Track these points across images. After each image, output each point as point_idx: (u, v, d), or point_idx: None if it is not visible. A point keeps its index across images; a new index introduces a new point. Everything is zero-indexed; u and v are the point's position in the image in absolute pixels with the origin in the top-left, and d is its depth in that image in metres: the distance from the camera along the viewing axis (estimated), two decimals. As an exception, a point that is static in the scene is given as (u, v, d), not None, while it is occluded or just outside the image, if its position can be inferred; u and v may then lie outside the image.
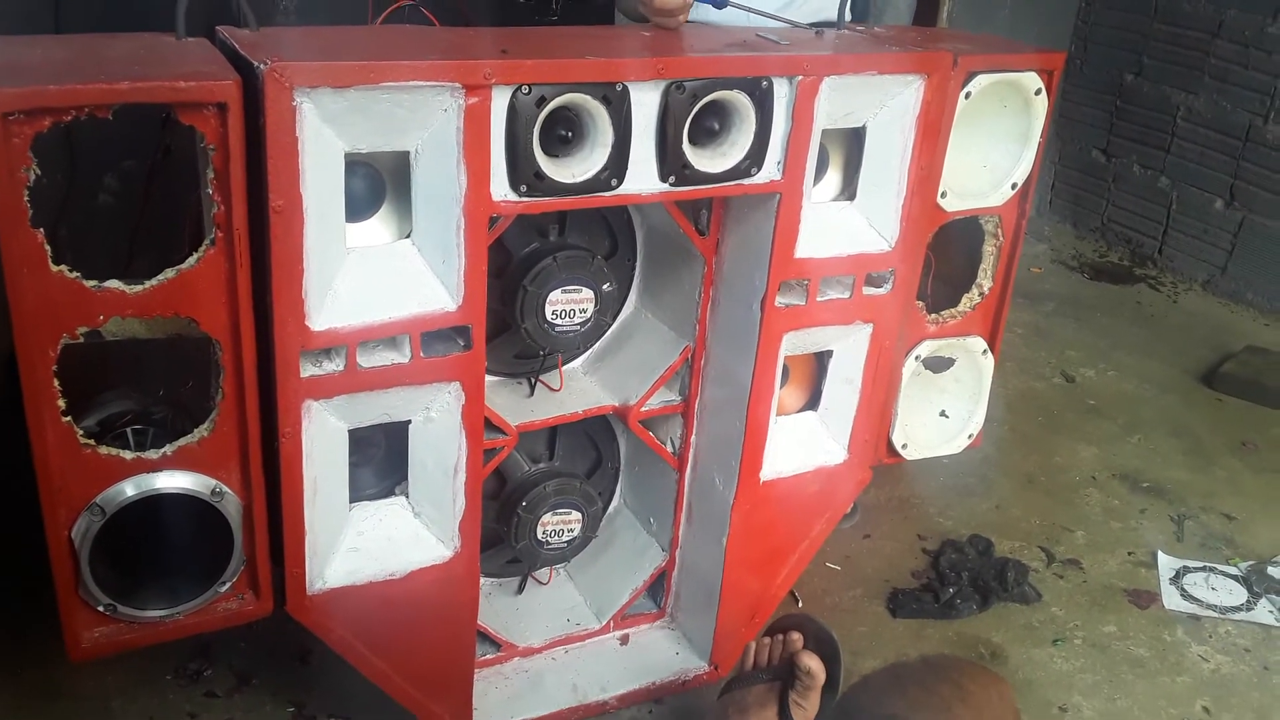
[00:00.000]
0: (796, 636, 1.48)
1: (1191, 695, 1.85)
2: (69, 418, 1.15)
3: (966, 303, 1.72)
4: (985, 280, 1.71)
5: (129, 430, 1.35)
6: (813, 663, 1.43)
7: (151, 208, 1.60)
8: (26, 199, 1.05)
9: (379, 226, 1.29)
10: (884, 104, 1.45)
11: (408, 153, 1.22)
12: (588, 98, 1.24)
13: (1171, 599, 2.07)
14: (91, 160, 2.38)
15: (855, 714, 1.16)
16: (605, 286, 1.50)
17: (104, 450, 1.19)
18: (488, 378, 1.48)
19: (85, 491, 1.19)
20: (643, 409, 1.61)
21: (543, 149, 1.25)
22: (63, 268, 1.09)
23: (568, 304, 1.48)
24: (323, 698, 1.67)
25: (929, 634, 1.94)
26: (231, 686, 1.68)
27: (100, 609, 1.24)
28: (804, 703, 1.44)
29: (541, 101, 1.22)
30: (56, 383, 1.13)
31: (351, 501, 1.38)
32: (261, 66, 1.08)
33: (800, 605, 1.95)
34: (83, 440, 1.17)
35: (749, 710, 1.45)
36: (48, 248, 1.07)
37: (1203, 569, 2.16)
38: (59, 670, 1.63)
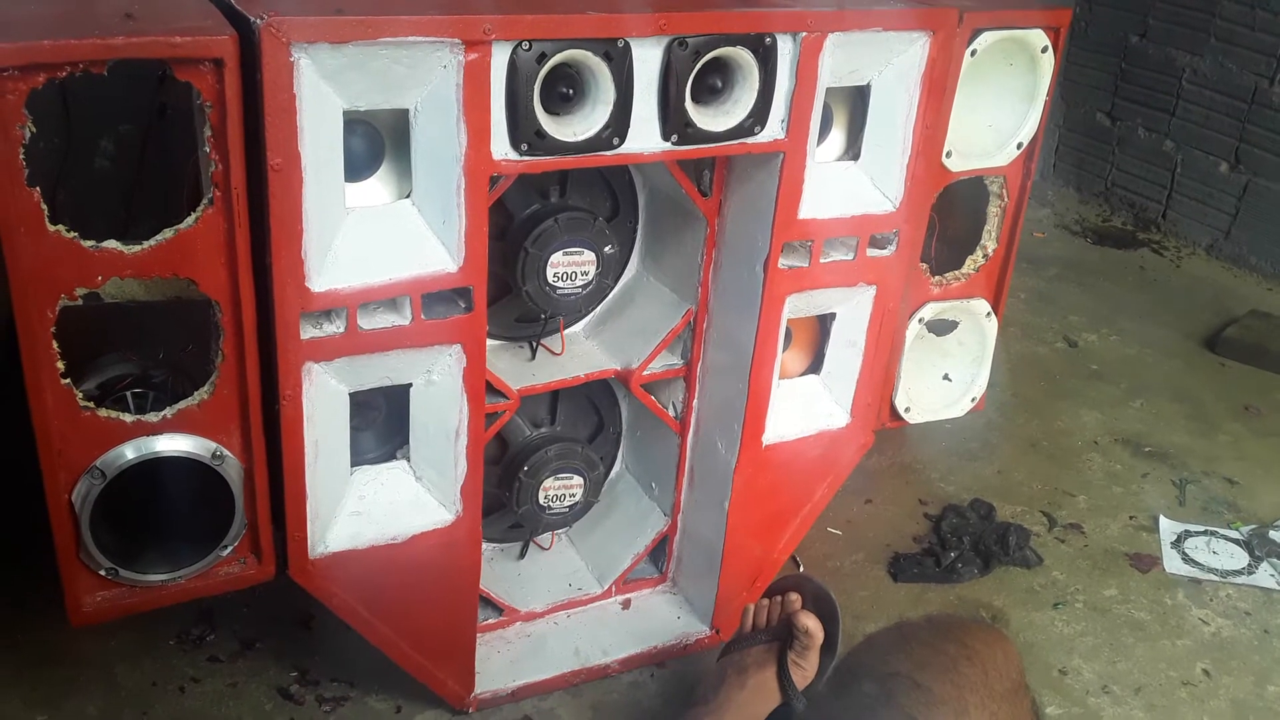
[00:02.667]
0: (795, 597, 1.48)
1: (1192, 658, 1.85)
2: (68, 380, 1.14)
3: (970, 264, 1.70)
4: (989, 242, 1.70)
5: (129, 393, 1.34)
6: (810, 622, 1.43)
7: (148, 169, 1.58)
8: (22, 157, 1.03)
9: (378, 186, 1.28)
10: (889, 61, 1.43)
11: (407, 110, 1.20)
12: (589, 54, 1.22)
13: (1173, 563, 2.08)
14: (88, 124, 2.35)
15: (860, 673, 1.16)
16: (607, 249, 1.49)
17: (104, 413, 1.18)
18: (489, 341, 1.46)
19: (85, 455, 1.18)
20: (644, 373, 1.60)
21: (544, 107, 1.24)
22: (60, 227, 1.08)
23: (569, 266, 1.47)
24: (325, 662, 1.67)
25: (930, 598, 1.94)
26: (234, 651, 1.68)
27: (101, 573, 1.24)
28: (802, 662, 1.44)
29: (542, 58, 1.20)
30: (55, 345, 1.12)
31: (353, 465, 1.38)
32: (258, 21, 1.06)
33: (802, 569, 1.95)
34: (82, 403, 1.16)
35: (748, 671, 1.45)
36: (44, 207, 1.06)
37: (1204, 533, 2.16)
38: (60, 636, 1.63)
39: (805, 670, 1.45)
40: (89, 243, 1.09)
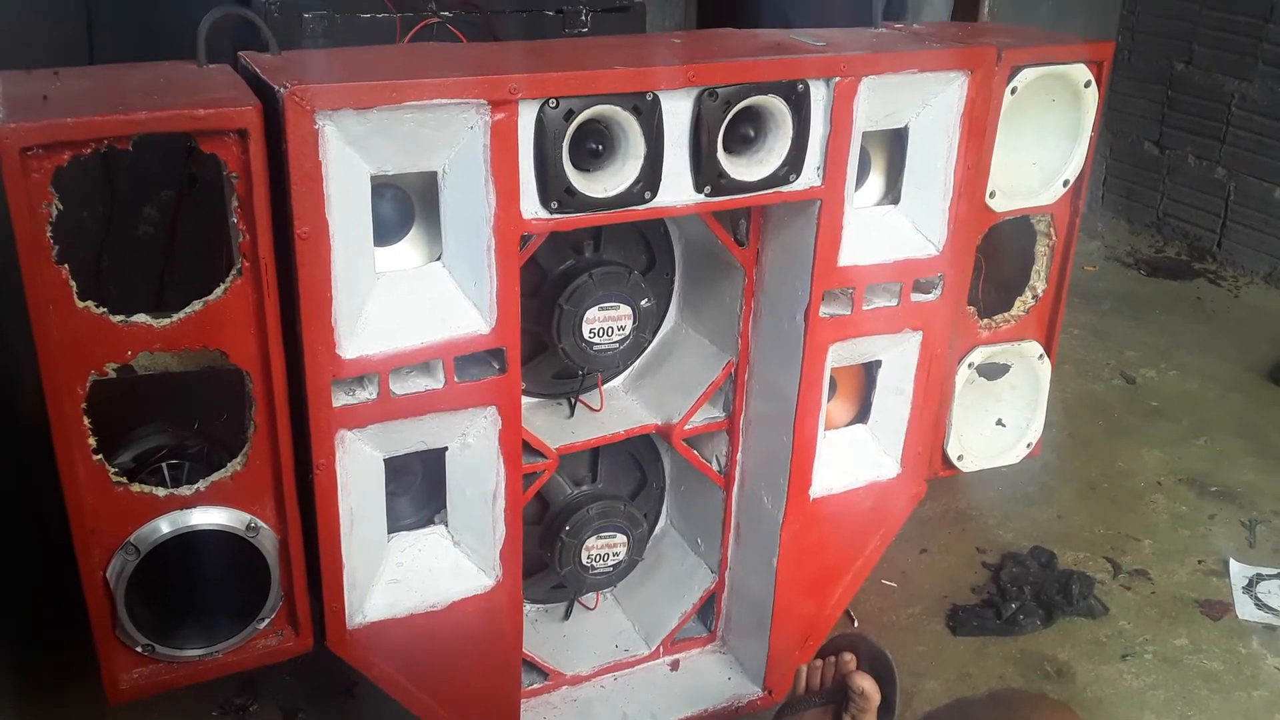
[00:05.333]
0: (849, 657, 1.43)
1: (1269, 710, 1.77)
2: (100, 456, 1.13)
3: (1020, 306, 1.66)
4: (1039, 282, 1.65)
5: (164, 465, 1.33)
6: (866, 684, 1.37)
7: (179, 239, 1.59)
8: (49, 235, 1.03)
9: (408, 250, 1.26)
10: (926, 103, 1.39)
11: (435, 173, 1.19)
12: (617, 109, 1.20)
13: (1245, 609, 1.99)
14: (131, 192, 2.39)
15: (919, 754, 1.10)
16: (644, 302, 1.46)
17: (136, 488, 1.17)
18: (526, 399, 1.44)
19: (119, 531, 1.17)
20: (686, 427, 1.56)
21: (573, 163, 1.22)
22: (89, 304, 1.07)
23: (605, 322, 1.45)
24: (369, 731, 1.64)
25: (991, 652, 1.87)
26: (277, 721, 1.66)
27: (138, 649, 1.22)
28: (859, 726, 1.39)
29: (570, 115, 1.18)
30: (86, 421, 1.11)
31: (390, 532, 1.35)
32: (282, 90, 1.05)
33: (855, 625, 1.89)
34: (115, 479, 1.15)
35: (802, 736, 1.40)
36: (73, 284, 1.05)
37: (1277, 576, 2.07)
38: (103, 706, 1.61)
39: (862, 734, 1.39)
40: (118, 318, 1.09)
